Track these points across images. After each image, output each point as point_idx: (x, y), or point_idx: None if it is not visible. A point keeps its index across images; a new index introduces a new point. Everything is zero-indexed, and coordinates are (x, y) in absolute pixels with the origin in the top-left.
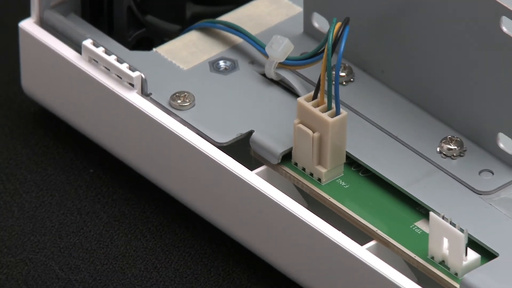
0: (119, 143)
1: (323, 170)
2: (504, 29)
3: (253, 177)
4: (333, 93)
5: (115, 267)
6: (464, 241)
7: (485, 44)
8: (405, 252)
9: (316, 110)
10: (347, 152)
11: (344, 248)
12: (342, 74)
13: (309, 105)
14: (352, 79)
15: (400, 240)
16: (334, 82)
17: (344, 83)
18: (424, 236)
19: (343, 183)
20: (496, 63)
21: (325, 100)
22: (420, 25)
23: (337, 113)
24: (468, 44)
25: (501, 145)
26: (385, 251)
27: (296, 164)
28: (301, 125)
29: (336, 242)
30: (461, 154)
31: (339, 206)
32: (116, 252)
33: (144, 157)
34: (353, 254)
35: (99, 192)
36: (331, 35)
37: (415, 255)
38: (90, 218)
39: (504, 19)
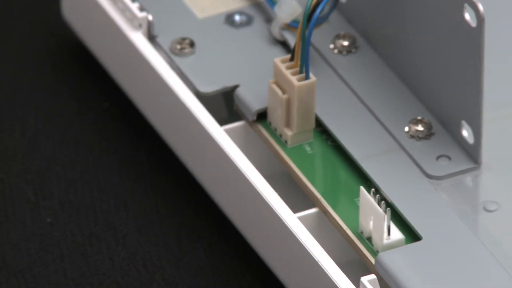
0: (126, 80)
1: (289, 133)
2: (467, 17)
3: (218, 132)
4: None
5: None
6: (385, 220)
7: (449, 32)
8: (339, 224)
9: (287, 72)
10: (319, 118)
11: (275, 211)
12: (344, 43)
13: (282, 66)
14: (353, 50)
15: (338, 211)
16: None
17: (344, 52)
18: None
19: (308, 149)
20: (458, 51)
21: (299, 64)
22: (402, 7)
23: (306, 77)
24: (435, 29)
25: (464, 133)
26: (324, 221)
27: (270, 123)
28: (274, 85)
29: (269, 204)
30: (427, 137)
31: (294, 170)
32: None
33: (142, 96)
34: (282, 218)
35: (104, 126)
36: (309, 1)
37: (346, 228)
38: (84, 150)
39: (467, 7)
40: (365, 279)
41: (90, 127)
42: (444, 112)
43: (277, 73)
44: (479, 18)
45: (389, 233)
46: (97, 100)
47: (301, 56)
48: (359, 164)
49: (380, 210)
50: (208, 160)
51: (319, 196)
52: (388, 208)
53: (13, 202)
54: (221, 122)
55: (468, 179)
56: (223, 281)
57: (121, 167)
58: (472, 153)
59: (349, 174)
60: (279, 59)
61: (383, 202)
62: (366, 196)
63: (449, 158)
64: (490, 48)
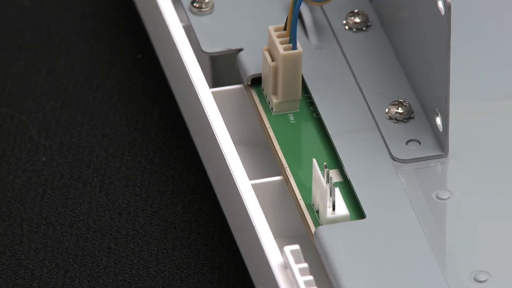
0: (152, 34)
1: (275, 100)
2: (440, 4)
3: (205, 93)
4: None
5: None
6: (328, 194)
7: (426, 18)
8: (295, 194)
9: (277, 40)
10: (308, 89)
11: (232, 175)
12: (356, 20)
13: (274, 34)
14: (364, 28)
15: (298, 181)
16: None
17: (354, 29)
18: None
19: (292, 118)
20: (431, 38)
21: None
22: None
23: (293, 48)
24: (412, 16)
25: (437, 120)
26: (285, 190)
27: (263, 90)
28: (266, 52)
29: (229, 167)
30: (405, 121)
31: (271, 137)
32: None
33: (160, 51)
34: (236, 183)
35: (127, 77)
36: None
37: (300, 198)
38: (101, 96)
39: None
40: (287, 249)
41: (114, 76)
42: (424, 98)
43: (270, 41)
44: (446, 6)
45: (333, 208)
46: (132, 51)
47: (291, 26)
48: (331, 138)
49: (325, 185)
50: (197, 120)
51: (285, 165)
52: (334, 184)
53: (16, 138)
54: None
55: (430, 166)
56: (192, 238)
57: (131, 117)
58: (441, 141)
59: (321, 148)
60: (274, 27)
61: (331, 177)
62: (316, 169)
63: (419, 143)
64: (474, 41)
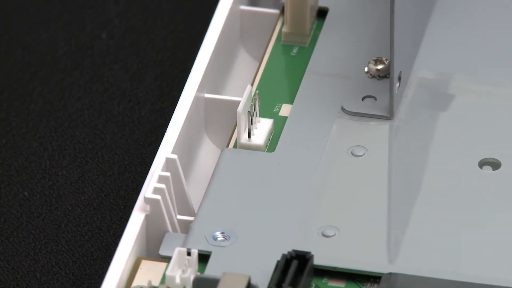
0: None
1: (284, 30)
2: None
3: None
4: None
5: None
6: (247, 121)
7: None
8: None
9: None
10: (320, 27)
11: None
12: None
13: None
14: None
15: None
16: None
17: None
18: (274, 116)
19: (295, 51)
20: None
21: None
22: None
23: None
24: None
25: (395, 83)
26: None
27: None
28: None
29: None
30: (379, 77)
31: (263, 62)
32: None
33: None
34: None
35: None
36: None
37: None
38: None
39: None
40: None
41: None
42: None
43: None
44: None
45: (249, 136)
46: None
47: None
48: (303, 75)
49: (241, 108)
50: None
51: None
52: (254, 113)
53: None
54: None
55: (364, 123)
56: None
57: None
58: (390, 103)
59: (291, 82)
60: None
61: (255, 106)
62: (245, 95)
63: (375, 100)
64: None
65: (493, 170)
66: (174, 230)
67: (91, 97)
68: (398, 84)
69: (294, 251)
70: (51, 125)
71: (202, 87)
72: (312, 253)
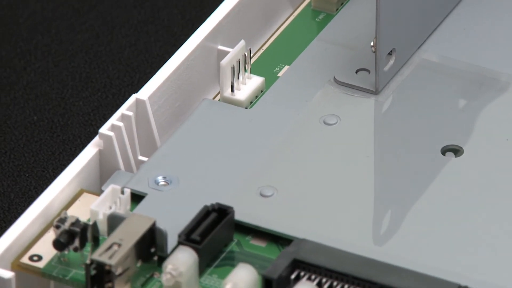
0: None
1: None
2: None
3: None
4: None
5: None
6: (230, 76)
7: None
8: None
9: None
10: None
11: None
12: None
13: None
14: None
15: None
16: None
17: None
18: (274, 75)
19: (321, 17)
20: None
21: None
22: None
23: None
24: None
25: (388, 60)
26: None
27: None
28: None
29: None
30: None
31: (286, 21)
32: None
33: None
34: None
35: None
36: None
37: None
38: None
39: None
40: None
41: None
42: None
43: None
44: None
45: (232, 90)
46: None
47: None
48: (311, 42)
49: (224, 62)
50: None
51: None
52: (243, 68)
53: None
54: None
55: (349, 95)
56: None
57: None
58: (377, 77)
59: (298, 47)
60: None
61: (240, 62)
62: (235, 48)
63: (368, 73)
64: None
65: (456, 156)
66: (129, 169)
67: None
68: (392, 61)
69: (217, 203)
70: None
71: (215, 38)
72: (246, 210)
